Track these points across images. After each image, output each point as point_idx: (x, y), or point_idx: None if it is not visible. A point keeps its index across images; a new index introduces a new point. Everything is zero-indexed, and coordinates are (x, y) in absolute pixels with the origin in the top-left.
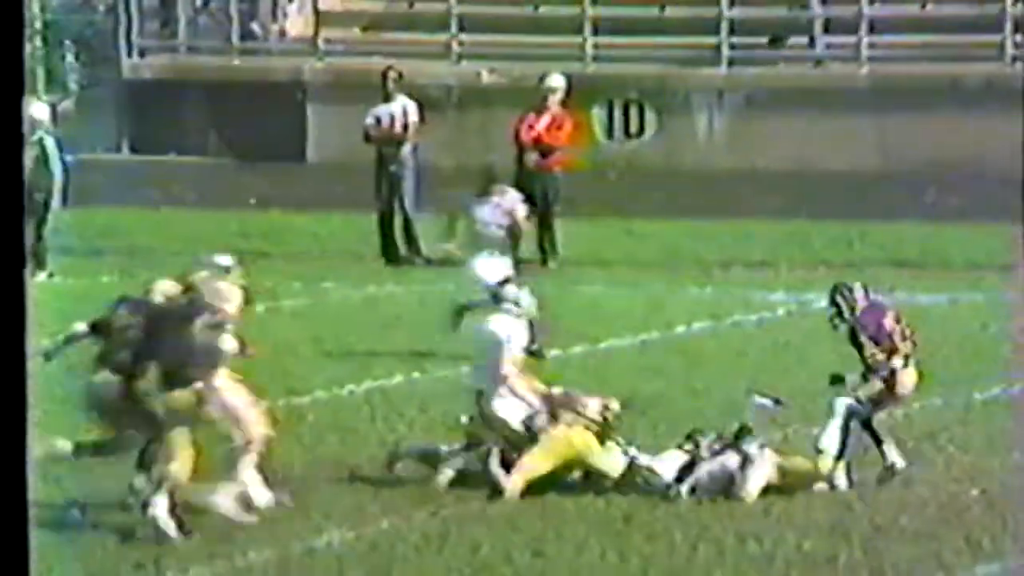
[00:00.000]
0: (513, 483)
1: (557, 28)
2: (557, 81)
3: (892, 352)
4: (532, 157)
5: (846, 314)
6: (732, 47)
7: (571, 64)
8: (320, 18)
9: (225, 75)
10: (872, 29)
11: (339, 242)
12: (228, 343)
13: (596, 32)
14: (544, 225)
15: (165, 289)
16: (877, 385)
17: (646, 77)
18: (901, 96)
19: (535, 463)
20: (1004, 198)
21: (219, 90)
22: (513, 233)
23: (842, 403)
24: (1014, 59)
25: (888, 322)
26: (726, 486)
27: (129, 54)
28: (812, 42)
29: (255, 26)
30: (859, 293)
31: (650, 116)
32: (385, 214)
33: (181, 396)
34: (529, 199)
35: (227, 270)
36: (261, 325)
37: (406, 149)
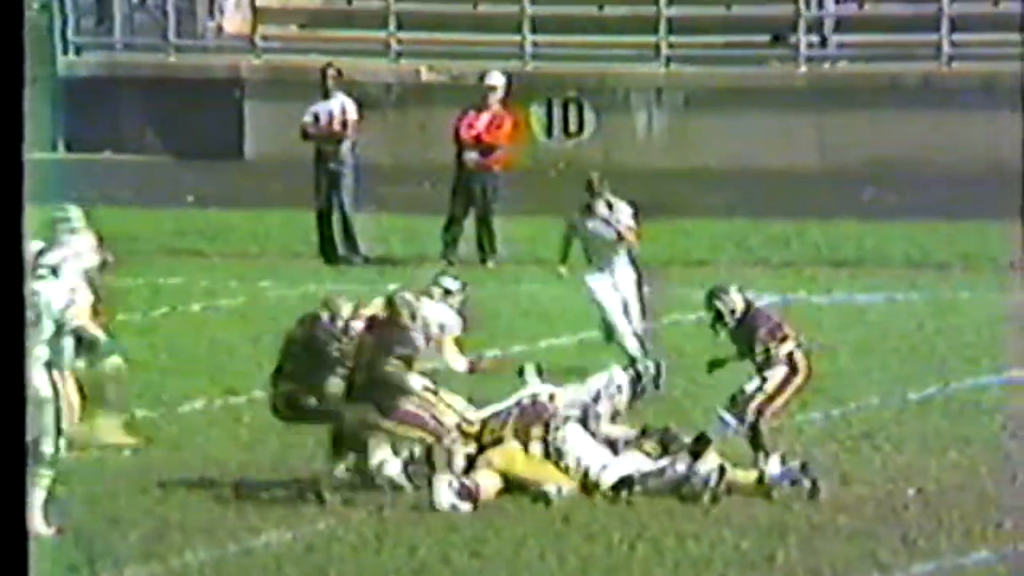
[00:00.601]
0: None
1: (496, 26)
2: (497, 79)
3: (784, 339)
4: (472, 156)
5: (727, 318)
6: (671, 46)
7: (511, 62)
8: (258, 15)
9: (162, 72)
10: (810, 29)
11: (277, 240)
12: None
13: (535, 30)
14: (483, 223)
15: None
16: (781, 372)
17: (585, 76)
18: (839, 95)
19: (489, 477)
20: (941, 196)
21: (156, 87)
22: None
23: (729, 420)
24: (950, 59)
25: (774, 314)
26: (675, 488)
27: (65, 51)
28: (824, 42)
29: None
30: (735, 295)
31: (589, 115)
32: (323, 212)
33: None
34: (467, 198)
35: (447, 292)
36: (198, 324)
37: (345, 147)
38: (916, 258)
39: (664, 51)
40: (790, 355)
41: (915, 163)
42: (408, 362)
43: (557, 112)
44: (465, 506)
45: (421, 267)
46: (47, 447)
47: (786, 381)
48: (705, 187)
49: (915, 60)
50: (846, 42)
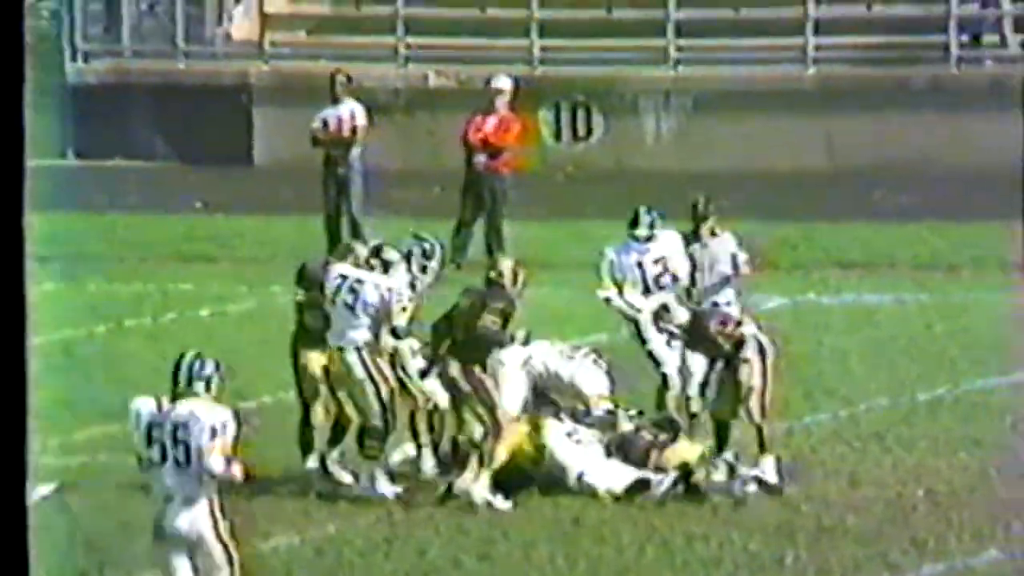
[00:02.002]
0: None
1: (504, 31)
2: (504, 83)
3: (739, 324)
4: (480, 159)
5: (676, 331)
6: (679, 49)
7: (518, 66)
8: (266, 21)
9: (170, 79)
10: (818, 30)
11: (286, 246)
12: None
13: (543, 34)
14: (492, 227)
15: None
16: (755, 360)
17: (593, 79)
18: (848, 97)
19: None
20: (950, 198)
21: (164, 94)
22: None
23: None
24: (959, 60)
25: (721, 307)
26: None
27: (73, 59)
28: (1002, 41)
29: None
30: (677, 310)
31: (597, 118)
32: (332, 217)
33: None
34: (477, 201)
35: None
36: (207, 329)
37: (354, 152)
38: (925, 260)
39: (673, 54)
40: (755, 337)
41: (924, 165)
42: (504, 317)
43: (566, 116)
44: (505, 504)
45: None
46: (377, 422)
47: (763, 365)
48: (713, 190)
49: (923, 62)
50: (854, 44)
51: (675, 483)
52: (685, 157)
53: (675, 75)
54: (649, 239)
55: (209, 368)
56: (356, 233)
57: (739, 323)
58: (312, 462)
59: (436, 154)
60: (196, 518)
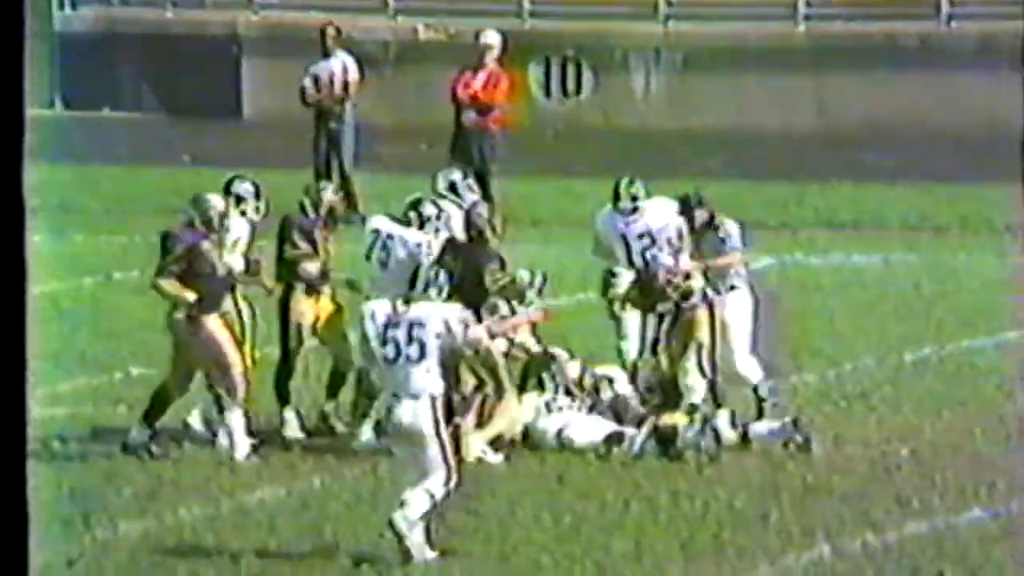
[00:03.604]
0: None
1: None
2: (492, 38)
3: (688, 276)
4: (470, 115)
5: (619, 291)
6: (669, 4)
7: (509, 20)
8: None
9: (159, 28)
10: None
11: (275, 199)
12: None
13: None
14: (481, 183)
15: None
16: (702, 314)
17: (583, 34)
18: (838, 55)
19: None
20: (939, 159)
21: (153, 44)
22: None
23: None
24: (949, 18)
25: (663, 260)
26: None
27: (61, 6)
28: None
29: None
30: (625, 274)
31: (587, 74)
32: (321, 174)
33: None
34: (465, 158)
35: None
36: None
37: (347, 106)
38: (913, 221)
39: (663, 9)
40: (703, 291)
41: (913, 124)
42: (496, 278)
43: (555, 72)
44: (498, 457)
45: None
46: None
47: (711, 323)
48: (703, 148)
49: (913, 19)
50: (845, 0)
51: (649, 436)
52: (675, 115)
53: (665, 30)
54: (634, 211)
55: (443, 278)
56: (346, 189)
57: (688, 276)
58: (294, 424)
59: (425, 109)
60: (419, 414)
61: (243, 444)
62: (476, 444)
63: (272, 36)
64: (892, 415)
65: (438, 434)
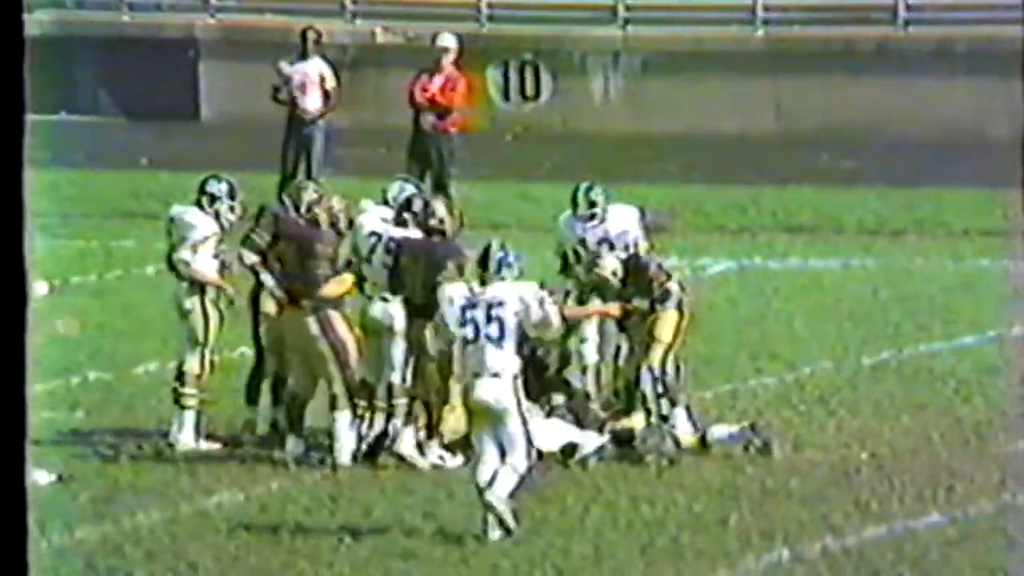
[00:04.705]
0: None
1: None
2: (449, 41)
3: (669, 276)
4: (428, 119)
5: (612, 280)
6: (628, 8)
7: (467, 24)
8: None
9: (115, 31)
10: None
11: None
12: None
13: None
14: (439, 187)
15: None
16: (672, 316)
17: (542, 38)
18: (796, 59)
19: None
20: (896, 163)
21: (110, 47)
22: None
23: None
24: (906, 23)
25: (653, 256)
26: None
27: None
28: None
29: None
30: (606, 257)
31: (546, 78)
32: (288, 178)
33: None
34: (423, 161)
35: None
36: (152, 287)
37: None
38: (871, 225)
39: (621, 13)
40: (678, 295)
41: (871, 129)
42: (462, 271)
43: (514, 75)
44: (456, 460)
45: None
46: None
47: (678, 324)
48: (662, 152)
49: (871, 24)
50: (803, 5)
51: (601, 447)
52: (633, 118)
53: (624, 35)
54: (592, 217)
55: (512, 258)
56: None
57: (669, 276)
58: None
59: (383, 112)
60: (501, 391)
61: (348, 447)
62: (432, 452)
63: (229, 39)
64: (851, 419)
65: (519, 411)
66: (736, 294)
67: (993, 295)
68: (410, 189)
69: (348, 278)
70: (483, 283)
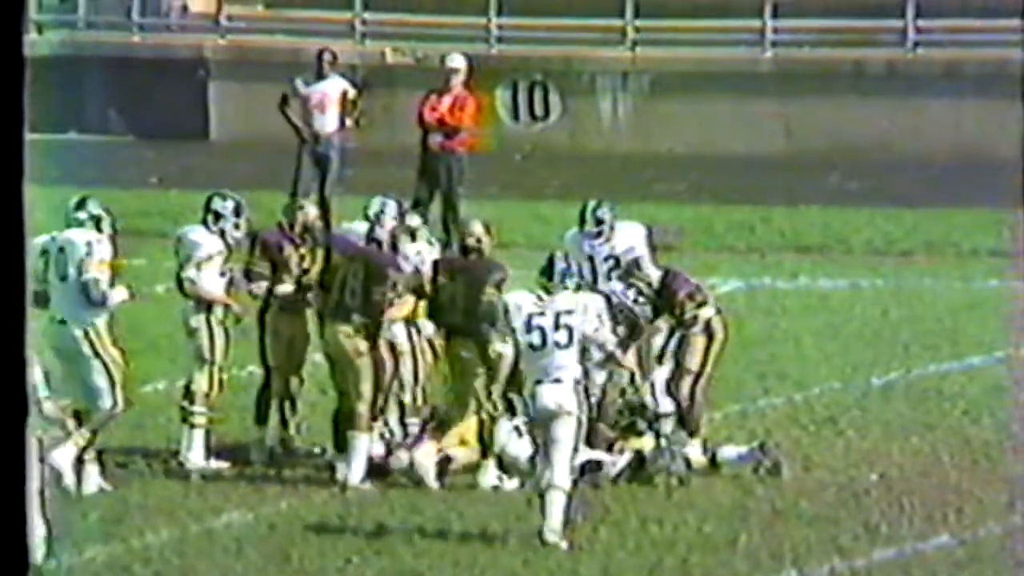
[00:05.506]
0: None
1: (462, 8)
2: (458, 61)
3: (703, 303)
4: (436, 139)
5: (644, 289)
6: (637, 30)
7: (476, 45)
8: None
9: (126, 52)
10: (776, 13)
11: None
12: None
13: (501, 13)
14: (448, 206)
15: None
16: (700, 344)
17: (551, 59)
18: (805, 80)
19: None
20: (905, 184)
21: (120, 67)
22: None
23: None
24: (915, 45)
25: (689, 279)
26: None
27: (27, 30)
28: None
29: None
30: (648, 266)
31: (554, 98)
32: (299, 191)
33: None
34: (433, 180)
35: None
36: (162, 305)
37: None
38: (880, 245)
39: (630, 35)
40: (708, 321)
41: (880, 150)
42: (501, 287)
43: (523, 96)
44: (512, 483)
45: None
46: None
47: (706, 351)
48: (670, 172)
49: (880, 46)
50: (812, 27)
51: (628, 465)
52: (642, 139)
53: (633, 56)
54: (599, 234)
55: (575, 268)
56: (324, 212)
57: (704, 302)
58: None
59: (392, 132)
60: (564, 396)
61: (360, 468)
62: (490, 474)
63: (239, 60)
64: (860, 440)
65: (578, 416)
66: (745, 314)
67: (1002, 315)
68: (390, 206)
69: (411, 300)
70: (548, 292)
